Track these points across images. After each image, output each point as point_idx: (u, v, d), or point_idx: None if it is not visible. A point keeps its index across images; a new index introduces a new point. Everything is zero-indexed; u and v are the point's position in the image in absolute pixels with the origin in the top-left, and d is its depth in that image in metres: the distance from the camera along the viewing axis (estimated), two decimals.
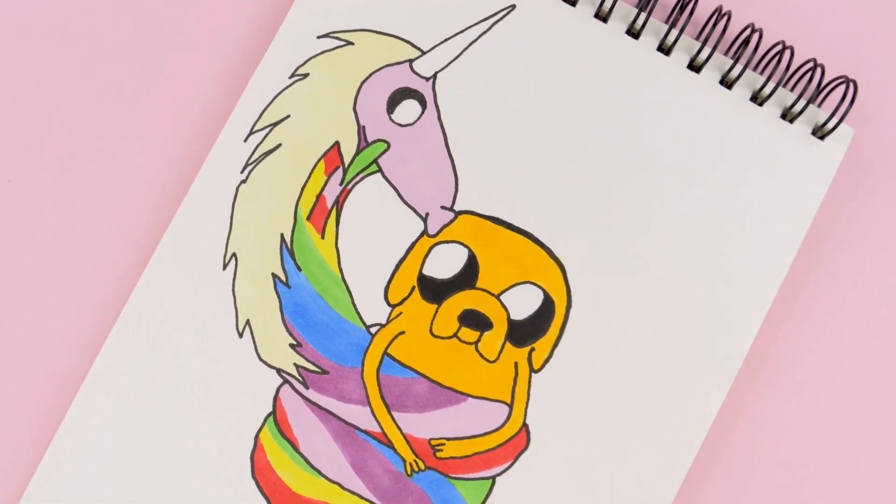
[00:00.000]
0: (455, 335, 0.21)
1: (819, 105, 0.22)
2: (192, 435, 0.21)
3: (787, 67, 0.22)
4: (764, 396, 0.22)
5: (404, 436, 0.21)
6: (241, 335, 0.21)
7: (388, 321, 0.21)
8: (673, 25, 0.22)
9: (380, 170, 0.22)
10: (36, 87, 0.22)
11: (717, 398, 0.21)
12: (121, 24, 0.22)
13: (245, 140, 0.21)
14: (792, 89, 0.22)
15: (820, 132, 0.22)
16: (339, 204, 0.21)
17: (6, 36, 0.23)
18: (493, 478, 0.21)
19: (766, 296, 0.21)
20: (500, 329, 0.21)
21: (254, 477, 0.21)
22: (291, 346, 0.21)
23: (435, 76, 0.22)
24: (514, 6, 0.21)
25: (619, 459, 0.21)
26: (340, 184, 0.21)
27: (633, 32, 0.22)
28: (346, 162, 0.22)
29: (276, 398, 0.21)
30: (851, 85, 0.21)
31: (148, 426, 0.21)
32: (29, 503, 0.21)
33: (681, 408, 0.21)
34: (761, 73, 0.22)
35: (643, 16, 0.22)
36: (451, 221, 0.21)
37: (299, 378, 0.21)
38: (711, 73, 0.22)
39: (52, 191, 0.22)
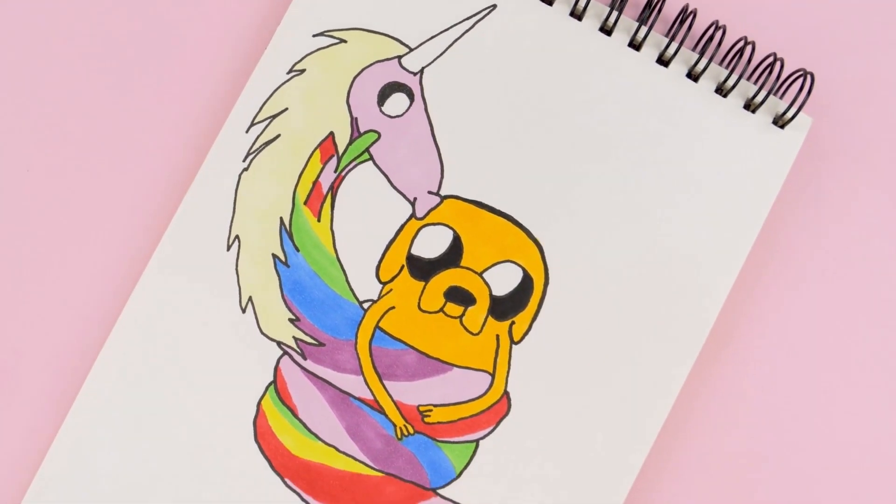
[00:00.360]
0: (441, 310, 0.23)
1: (780, 96, 0.24)
2: (199, 402, 0.23)
3: (749, 61, 0.23)
4: (728, 366, 0.24)
5: (395, 403, 0.23)
6: (243, 310, 0.23)
7: (380, 297, 0.23)
8: (643, 23, 0.23)
9: (371, 158, 0.23)
10: (55, 83, 0.24)
11: (684, 368, 0.23)
12: (135, 24, 0.24)
13: (247, 131, 0.23)
14: (755, 82, 0.24)
15: (780, 121, 0.24)
16: (333, 189, 0.23)
17: (34, 24, 0.24)
18: (477, 441, 0.23)
19: (730, 272, 0.23)
20: (482, 304, 0.23)
21: (256, 441, 0.23)
22: (290, 320, 0.23)
23: (422, 71, 0.23)
24: (494, 6, 0.23)
25: (592, 424, 0.22)
26: (335, 171, 0.23)
27: (606, 30, 0.23)
28: (340, 151, 0.23)
29: (276, 368, 0.23)
30: (809, 77, 0.23)
31: (158, 393, 0.23)
32: (52, 461, 0.23)
33: (650, 376, 0.23)
34: (726, 66, 0.24)
35: (615, 14, 0.23)
36: (438, 205, 0.23)
37: (298, 350, 0.23)
38: (679, 68, 0.23)
39: (72, 175, 0.24)
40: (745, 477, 0.24)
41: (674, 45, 0.23)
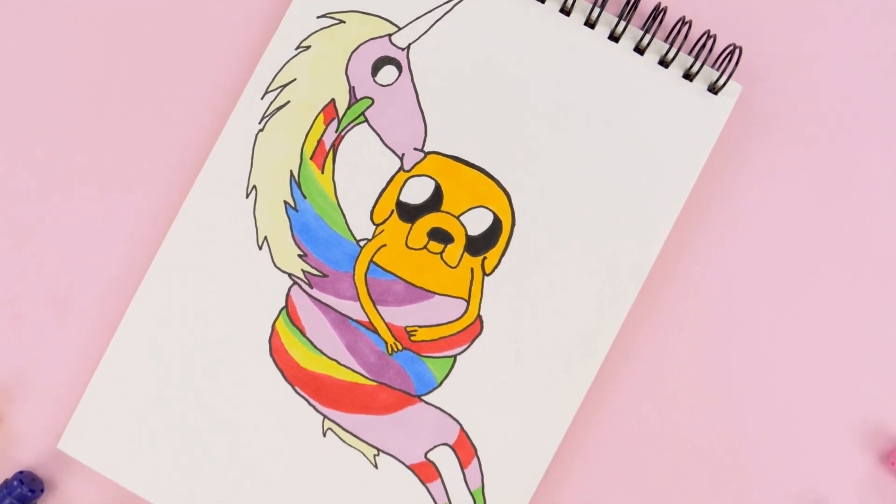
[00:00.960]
0: (425, 247, 0.27)
1: (715, 67, 0.28)
2: (223, 324, 0.27)
3: (687, 37, 0.27)
4: (668, 293, 0.28)
5: (386, 324, 0.27)
6: (260, 248, 0.27)
7: (373, 237, 0.27)
8: (596, 4, 0.27)
9: (366, 120, 0.27)
10: (98, 57, 0.28)
11: (629, 298, 0.27)
12: (171, 9, 0.28)
13: (262, 98, 0.27)
14: (692, 55, 0.28)
15: (714, 88, 0.27)
16: (335, 147, 0.27)
17: (76, 14, 0.28)
18: (455, 356, 0.27)
19: (671, 212, 0.27)
20: (459, 242, 0.27)
21: (271, 355, 0.27)
22: (299, 256, 0.27)
23: (409, 47, 0.27)
24: None
25: (550, 341, 0.27)
26: (336, 131, 0.27)
27: (566, 11, 0.27)
28: (340, 114, 0.27)
29: (287, 296, 0.27)
30: (738, 50, 0.27)
31: (189, 317, 0.27)
32: (99, 378, 0.27)
33: (599, 304, 0.27)
34: (667, 42, 0.28)
35: None
36: (422, 160, 0.27)
37: (305, 280, 0.27)
38: (627, 43, 0.27)
39: (121, 132, 0.28)
40: (683, 388, 0.28)
41: (622, 24, 0.27)
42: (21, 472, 0.27)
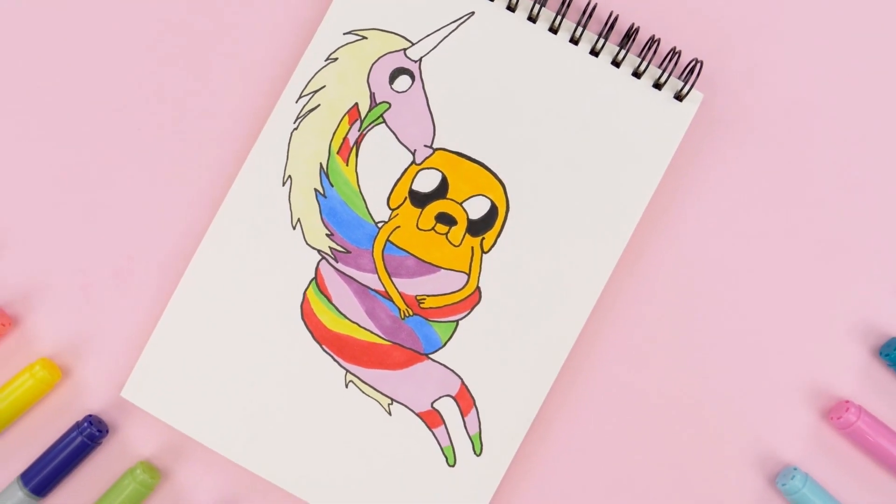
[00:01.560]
0: (433, 229, 0.32)
1: (680, 78, 0.32)
2: (263, 292, 0.32)
3: (656, 52, 0.32)
4: (640, 269, 0.32)
5: (399, 293, 0.32)
6: (294, 228, 0.32)
7: (389, 219, 0.32)
8: (580, 24, 0.32)
9: (384, 121, 0.32)
10: (164, 68, 0.33)
11: (609, 268, 0.31)
12: (217, 25, 0.33)
13: (296, 101, 0.32)
14: (661, 67, 0.32)
15: (679, 96, 0.32)
16: (357, 143, 0.32)
17: (137, 20, 0.33)
18: (457, 321, 0.32)
19: (642, 200, 0.31)
20: (462, 225, 0.32)
21: (302, 319, 0.32)
22: (327, 235, 0.32)
23: (421, 59, 0.32)
24: (473, 12, 0.32)
25: (538, 308, 0.31)
26: (359, 130, 0.32)
27: (553, 30, 0.32)
28: (362, 116, 0.32)
29: (317, 268, 0.32)
30: (699, 64, 0.31)
31: (234, 285, 0.32)
32: (155, 341, 0.32)
33: (581, 274, 0.31)
34: (640, 56, 0.32)
35: (560, 18, 0.32)
36: (431, 155, 0.32)
37: (332, 256, 0.32)
38: (606, 57, 0.32)
39: (179, 132, 0.33)
40: (653, 341, 0.33)
41: (602, 41, 0.32)
42: (90, 416, 0.32)
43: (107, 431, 0.32)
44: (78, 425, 0.32)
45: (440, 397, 0.31)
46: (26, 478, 0.31)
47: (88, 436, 0.32)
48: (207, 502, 0.32)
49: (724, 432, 0.33)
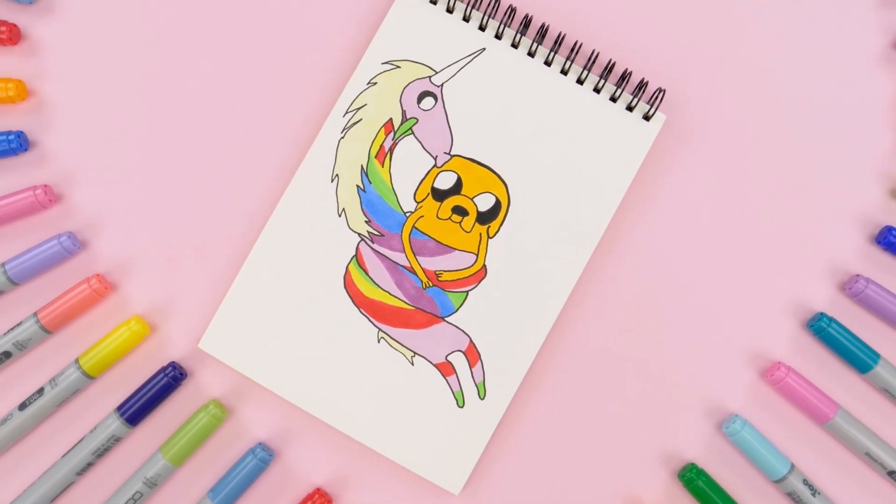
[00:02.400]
0: (449, 218, 0.39)
1: (648, 103, 0.40)
2: (314, 266, 0.39)
3: (628, 82, 0.40)
4: (615, 250, 0.40)
5: (422, 268, 0.39)
6: (339, 215, 0.40)
7: (415, 210, 0.40)
8: (568, 59, 0.40)
9: (413, 133, 0.40)
10: (241, 81, 0.41)
11: (589, 249, 0.39)
12: (287, 60, 0.41)
13: (343, 116, 0.40)
14: (633, 94, 0.40)
15: (647, 117, 0.40)
16: (391, 150, 0.40)
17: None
18: (468, 291, 0.39)
19: (616, 199, 0.39)
20: (472, 216, 0.39)
21: (345, 288, 0.39)
22: (365, 221, 0.40)
23: (442, 85, 0.40)
24: (484, 49, 0.40)
25: (533, 282, 0.38)
26: (392, 139, 0.40)
27: (548, 62, 0.40)
28: (395, 128, 0.40)
29: (357, 248, 0.39)
30: (663, 92, 0.39)
31: (291, 261, 0.39)
32: (226, 307, 0.39)
33: (566, 255, 0.39)
34: (616, 85, 0.40)
35: (552, 54, 0.40)
36: (449, 160, 0.40)
37: (369, 238, 0.40)
38: (589, 85, 0.40)
39: (250, 135, 0.40)
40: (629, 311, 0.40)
41: (586, 73, 0.40)
42: (172, 363, 0.40)
43: (185, 375, 0.40)
44: (163, 369, 0.40)
45: (452, 352, 0.39)
46: (122, 409, 0.39)
47: (172, 378, 0.39)
48: (264, 434, 0.40)
49: (681, 386, 0.40)
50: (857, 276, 0.40)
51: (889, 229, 0.40)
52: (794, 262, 0.40)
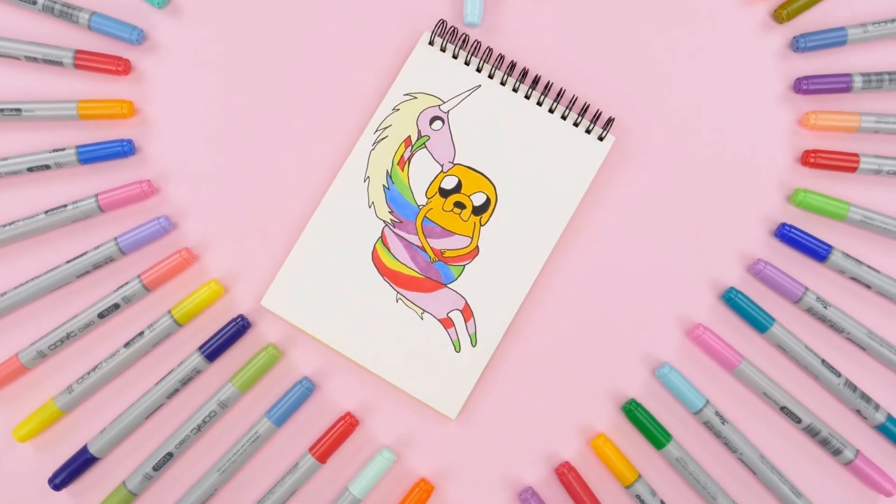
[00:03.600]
0: (451, 210, 0.51)
1: (602, 127, 0.53)
2: (349, 245, 0.51)
3: (586, 111, 0.53)
4: (576, 236, 0.52)
5: (431, 247, 0.52)
6: (369, 207, 0.51)
7: (426, 204, 0.51)
8: (543, 94, 0.53)
9: (426, 147, 0.53)
10: (298, 105, 0.54)
11: (556, 234, 0.51)
12: (334, 83, 0.54)
13: (374, 133, 0.52)
14: (591, 121, 0.53)
15: (601, 138, 0.53)
16: (409, 159, 0.52)
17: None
18: (464, 265, 0.51)
19: (574, 201, 0.51)
20: (469, 209, 0.51)
21: (372, 261, 0.50)
22: (389, 212, 0.52)
23: (449, 112, 0.52)
24: (480, 85, 0.53)
25: (514, 257, 0.50)
26: (410, 151, 0.53)
27: (527, 96, 0.53)
28: (413, 144, 0.53)
29: (382, 231, 0.50)
30: (613, 119, 0.52)
31: (331, 241, 0.50)
32: (282, 276, 0.52)
33: (539, 238, 0.51)
34: (578, 113, 0.53)
35: (530, 90, 0.53)
36: (452, 167, 0.52)
37: (391, 224, 0.52)
38: (558, 114, 0.53)
39: (304, 146, 0.51)
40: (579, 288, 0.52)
41: (555, 104, 0.53)
42: (241, 315, 0.52)
43: (250, 325, 0.52)
44: (234, 320, 0.51)
45: (452, 310, 0.50)
46: (202, 349, 0.51)
47: (240, 326, 0.51)
48: (308, 370, 0.51)
49: (625, 342, 0.51)
50: (759, 260, 0.52)
51: (783, 225, 0.52)
52: (713, 249, 0.51)
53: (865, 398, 0.50)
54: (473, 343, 0.51)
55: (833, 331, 0.51)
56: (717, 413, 0.51)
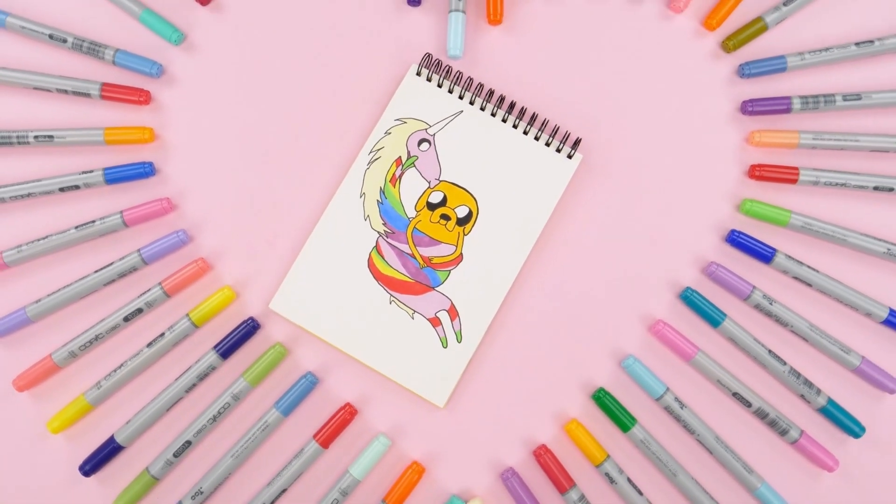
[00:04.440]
0: (438, 222, 0.57)
1: (570, 146, 0.60)
2: (348, 253, 0.57)
3: (557, 133, 0.59)
4: (548, 242, 0.58)
5: (420, 255, 0.58)
6: (365, 220, 0.58)
7: (415, 216, 0.57)
8: (518, 118, 0.59)
9: (415, 166, 0.59)
10: (300, 131, 0.60)
11: (530, 244, 0.57)
12: (333, 112, 0.61)
13: (369, 154, 0.58)
14: (560, 141, 0.60)
15: (570, 156, 0.59)
16: (400, 177, 0.58)
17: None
18: (450, 270, 0.56)
19: (546, 213, 0.58)
20: (453, 220, 0.57)
21: (368, 267, 0.55)
22: (382, 223, 0.58)
23: (434, 135, 0.58)
24: (462, 111, 0.59)
25: (493, 263, 0.56)
26: (401, 170, 0.59)
27: (504, 120, 0.60)
28: (403, 163, 0.59)
29: (376, 241, 0.56)
30: (580, 140, 0.59)
31: (332, 251, 0.56)
32: (289, 281, 0.58)
33: (515, 246, 0.57)
34: (549, 135, 0.60)
35: (507, 115, 0.59)
36: (438, 184, 0.58)
37: (384, 234, 0.58)
38: (531, 135, 0.59)
39: (309, 163, 0.57)
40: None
41: (530, 127, 0.59)
42: (251, 317, 0.58)
43: (259, 326, 0.57)
44: (245, 321, 0.56)
45: (439, 310, 0.54)
46: (217, 347, 0.57)
47: (250, 327, 0.57)
48: (311, 366, 0.56)
49: (593, 336, 0.55)
50: (712, 262, 0.58)
51: (733, 231, 0.58)
52: (671, 253, 0.56)
53: (808, 384, 0.57)
54: (459, 339, 0.56)
55: (778, 324, 0.56)
56: (676, 399, 0.56)
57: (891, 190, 0.57)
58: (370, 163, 0.56)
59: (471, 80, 0.56)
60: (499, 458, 0.54)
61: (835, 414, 0.55)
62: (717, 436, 0.54)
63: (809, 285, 0.56)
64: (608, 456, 0.54)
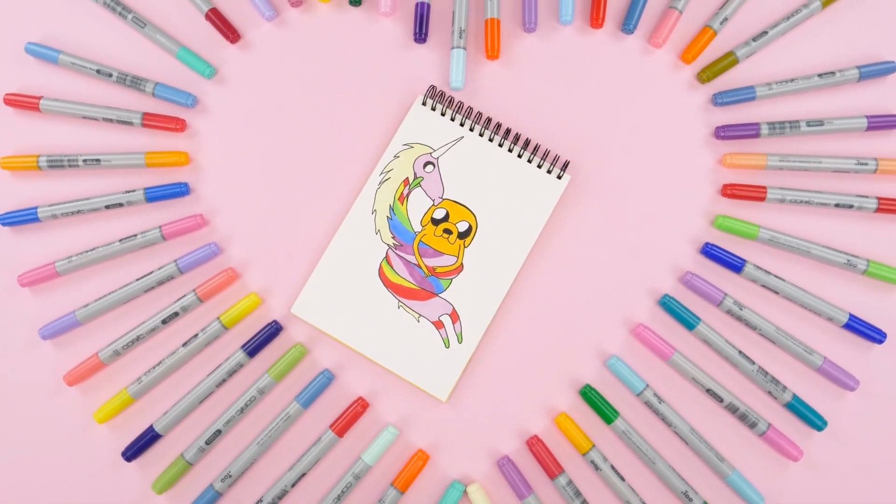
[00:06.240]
0: (441, 235, 0.63)
1: (559, 168, 0.66)
2: (361, 264, 0.63)
3: (547, 155, 0.66)
4: (541, 255, 0.63)
5: (425, 265, 0.64)
6: (376, 234, 0.64)
7: (421, 230, 0.62)
8: (513, 143, 0.66)
9: (420, 186, 0.65)
10: (320, 157, 0.67)
11: (524, 253, 0.63)
12: (347, 136, 0.67)
13: (380, 175, 0.65)
14: (550, 163, 0.66)
15: (559, 177, 0.66)
16: (407, 196, 0.64)
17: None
18: (452, 279, 0.63)
19: (538, 228, 0.63)
20: (455, 234, 0.61)
21: (379, 276, 0.60)
22: (391, 237, 0.64)
23: (438, 158, 0.62)
24: (462, 137, 0.65)
25: (490, 272, 0.62)
26: (408, 189, 0.65)
27: (500, 144, 0.66)
28: (410, 183, 0.64)
29: (386, 252, 0.60)
30: (569, 162, 0.65)
31: (347, 260, 0.62)
32: (308, 289, 0.64)
33: (510, 257, 0.63)
34: (541, 158, 0.66)
35: (503, 140, 0.66)
36: (442, 201, 0.64)
37: (394, 247, 0.64)
38: (524, 158, 0.66)
39: (326, 184, 0.64)
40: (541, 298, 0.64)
41: (523, 150, 0.66)
42: (274, 321, 0.64)
43: (282, 328, 0.62)
44: (269, 324, 0.60)
45: (442, 314, 0.58)
46: (245, 347, 0.63)
47: (275, 329, 0.63)
48: (328, 364, 0.59)
49: (581, 339, 0.59)
50: (688, 272, 0.62)
51: (707, 244, 0.62)
52: (651, 264, 0.60)
53: (775, 382, 0.61)
54: (460, 340, 0.59)
55: (748, 328, 0.59)
56: (655, 395, 0.61)
57: (850, 207, 0.63)
58: (381, 183, 0.60)
59: (471, 109, 0.61)
60: (495, 446, 0.58)
61: (799, 409, 0.58)
62: (692, 428, 0.58)
63: (776, 293, 0.60)
64: (594, 445, 0.57)
